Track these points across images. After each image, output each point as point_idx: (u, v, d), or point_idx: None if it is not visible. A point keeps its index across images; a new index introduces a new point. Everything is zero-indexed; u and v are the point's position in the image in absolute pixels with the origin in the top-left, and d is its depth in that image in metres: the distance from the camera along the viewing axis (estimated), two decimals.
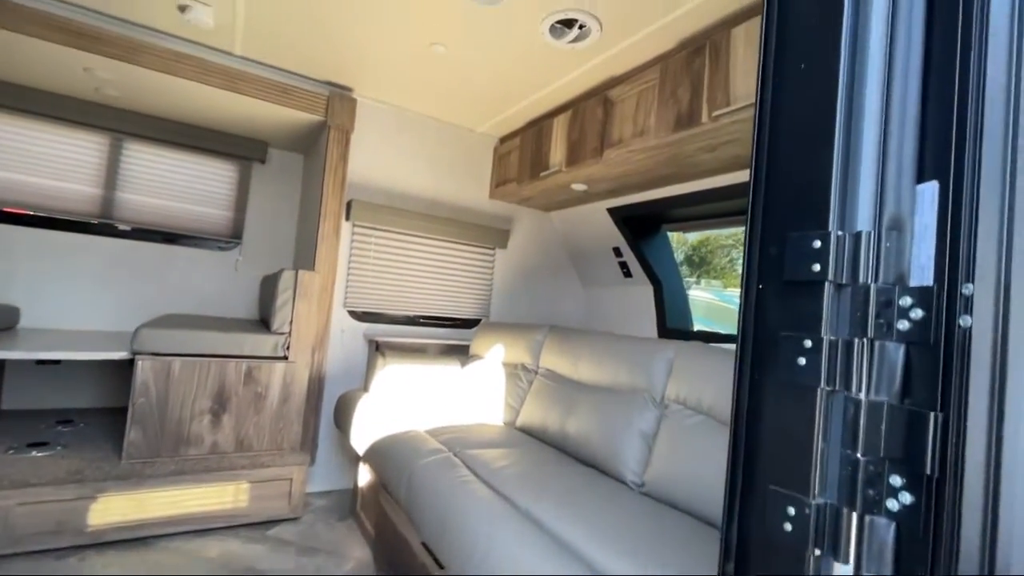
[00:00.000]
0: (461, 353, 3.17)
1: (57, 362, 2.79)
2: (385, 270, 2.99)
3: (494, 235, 3.28)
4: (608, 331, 3.37)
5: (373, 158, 2.96)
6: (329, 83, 2.76)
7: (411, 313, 3.11)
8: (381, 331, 2.99)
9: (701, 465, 1.62)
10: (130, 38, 2.27)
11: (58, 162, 2.82)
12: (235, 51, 2.49)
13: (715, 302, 3.48)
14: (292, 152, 3.43)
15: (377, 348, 2.81)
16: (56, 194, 2.82)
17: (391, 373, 2.54)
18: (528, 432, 2.34)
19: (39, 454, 2.12)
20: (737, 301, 0.62)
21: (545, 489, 1.63)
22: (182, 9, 2.12)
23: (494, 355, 2.78)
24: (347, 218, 2.83)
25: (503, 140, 3.31)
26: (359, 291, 2.91)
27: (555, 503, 1.53)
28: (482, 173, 3.34)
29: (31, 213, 2.78)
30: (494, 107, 2.88)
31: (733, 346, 1.09)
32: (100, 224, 2.94)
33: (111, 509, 2.00)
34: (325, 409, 2.76)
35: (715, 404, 1.71)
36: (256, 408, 2.36)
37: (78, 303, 2.87)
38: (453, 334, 3.26)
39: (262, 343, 2.38)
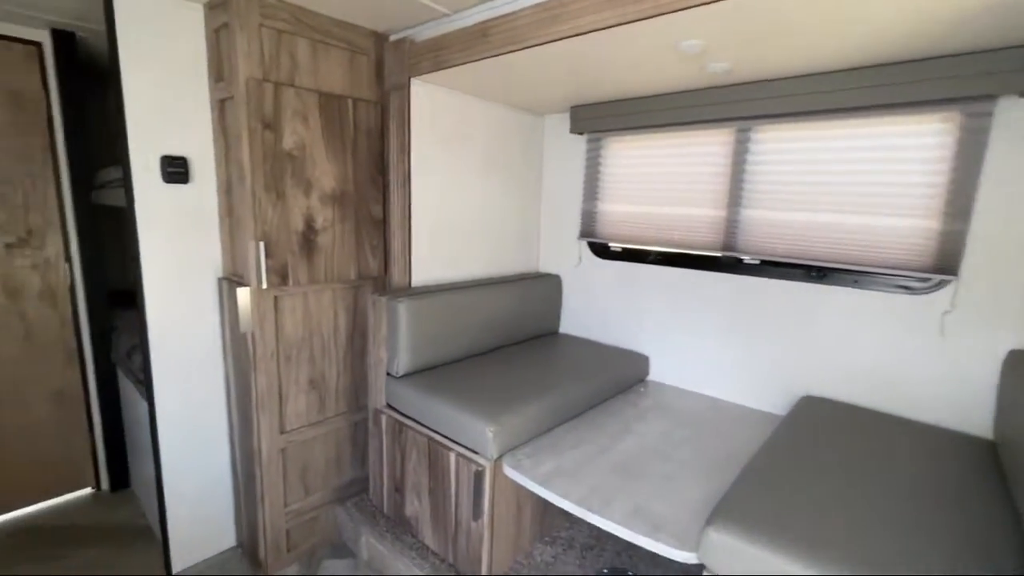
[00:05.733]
0: None
1: None
2: None
3: None
4: None
5: None
6: None
7: None
8: None
9: None
10: None
11: (680, 181, 2.17)
12: None
13: None
14: None
15: None
16: (680, 224, 2.19)
17: None
18: None
19: None
20: None
21: None
22: None
23: None
24: None
25: None
26: None
27: None
28: None
29: (664, 250, 2.30)
30: None
31: None
32: (723, 258, 2.11)
33: None
34: None
35: None
36: None
37: (696, 360, 2.21)
38: None
39: None
